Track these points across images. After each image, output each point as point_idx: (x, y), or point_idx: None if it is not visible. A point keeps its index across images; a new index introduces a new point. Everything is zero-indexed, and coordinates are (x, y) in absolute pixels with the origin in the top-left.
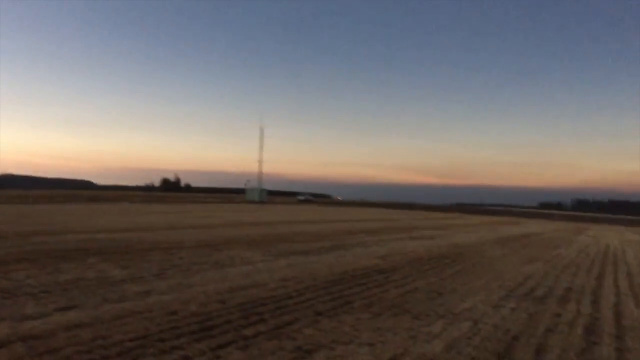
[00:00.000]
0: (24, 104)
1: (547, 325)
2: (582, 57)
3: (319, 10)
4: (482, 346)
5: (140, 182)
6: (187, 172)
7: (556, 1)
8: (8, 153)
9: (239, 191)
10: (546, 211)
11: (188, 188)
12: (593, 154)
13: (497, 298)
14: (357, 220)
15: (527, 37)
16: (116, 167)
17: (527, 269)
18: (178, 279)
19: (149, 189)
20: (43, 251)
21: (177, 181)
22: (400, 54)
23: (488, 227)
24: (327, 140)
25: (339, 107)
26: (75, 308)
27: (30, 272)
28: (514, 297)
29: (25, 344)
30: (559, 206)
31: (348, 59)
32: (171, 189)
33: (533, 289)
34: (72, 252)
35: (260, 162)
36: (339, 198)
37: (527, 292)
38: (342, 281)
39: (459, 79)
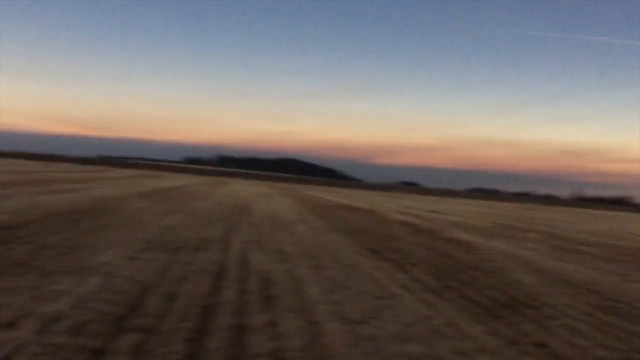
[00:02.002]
0: None
1: (180, 275)
2: (230, 26)
3: None
4: (112, 299)
5: None
6: None
7: None
8: None
9: None
10: (190, 166)
11: None
12: (235, 113)
13: (133, 251)
14: None
15: None
16: None
17: (166, 221)
18: None
19: None
20: None
21: None
22: None
23: (133, 180)
24: None
25: None
26: None
27: None
28: (150, 249)
29: None
30: (202, 161)
31: None
32: None
33: (170, 241)
34: None
35: None
36: None
37: (164, 243)
38: None
39: (110, 25)
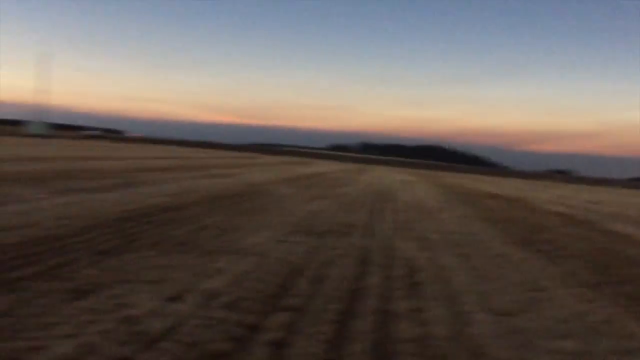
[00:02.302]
0: None
1: (326, 258)
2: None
3: None
4: (264, 279)
5: None
6: None
7: None
8: None
9: (17, 123)
10: (335, 152)
11: None
12: (378, 100)
13: (283, 234)
14: (151, 158)
15: None
16: None
17: (312, 206)
18: None
19: None
20: None
21: None
22: None
23: (282, 166)
24: (125, 74)
25: (138, 39)
26: None
27: None
28: (298, 232)
29: None
30: (346, 148)
31: None
32: None
33: (316, 225)
34: None
35: (43, 92)
36: (134, 134)
37: (310, 227)
38: (129, 219)
39: (259, 18)
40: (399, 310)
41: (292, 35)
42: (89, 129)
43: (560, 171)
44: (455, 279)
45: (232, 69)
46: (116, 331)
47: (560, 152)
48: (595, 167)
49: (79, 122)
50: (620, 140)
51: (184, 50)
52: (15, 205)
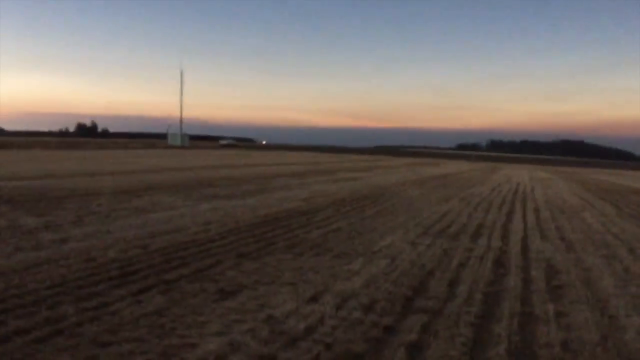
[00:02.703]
0: None
1: (460, 260)
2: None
3: None
4: (398, 281)
5: (54, 128)
6: (104, 117)
7: None
8: None
9: (160, 136)
10: (463, 152)
11: (106, 133)
12: (506, 96)
13: (414, 235)
14: (281, 164)
15: None
16: (28, 111)
17: (443, 207)
18: (96, 226)
19: (63, 134)
20: None
21: (94, 126)
22: None
23: (409, 168)
24: (252, 83)
25: (264, 50)
26: None
27: None
28: (429, 234)
29: None
30: (475, 147)
31: (274, 1)
32: (87, 135)
33: (448, 226)
34: None
35: (181, 106)
36: (264, 142)
37: (442, 229)
38: (265, 224)
39: (385, 24)
40: (541, 313)
41: (415, 37)
42: (222, 138)
43: None
44: (602, 281)
45: (354, 74)
46: (260, 330)
47: None
48: None
49: (212, 133)
50: None
51: (305, 57)
52: (161, 213)
